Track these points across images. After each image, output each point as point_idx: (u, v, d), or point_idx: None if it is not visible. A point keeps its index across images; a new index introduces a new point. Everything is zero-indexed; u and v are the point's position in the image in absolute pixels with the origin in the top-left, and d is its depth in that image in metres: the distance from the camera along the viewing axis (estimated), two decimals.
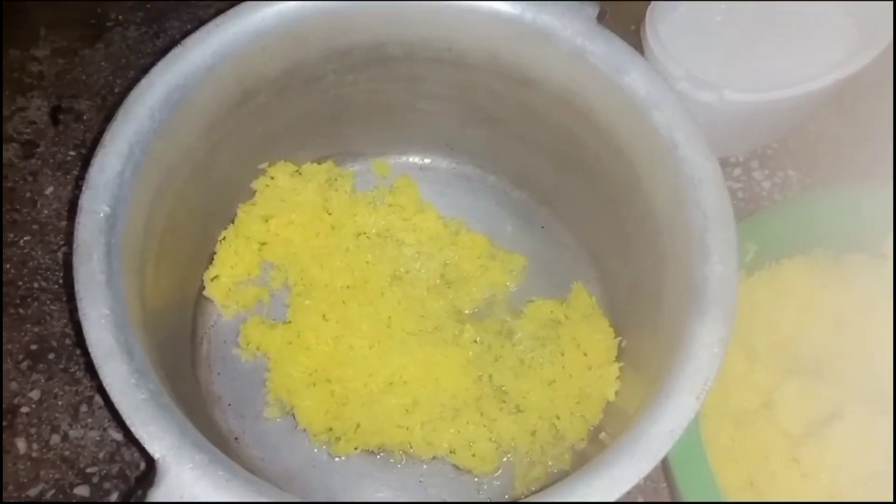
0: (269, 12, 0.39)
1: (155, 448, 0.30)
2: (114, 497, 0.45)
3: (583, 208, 0.48)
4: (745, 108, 0.47)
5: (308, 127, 0.47)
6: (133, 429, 0.30)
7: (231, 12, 0.39)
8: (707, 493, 0.37)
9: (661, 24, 0.48)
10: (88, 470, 0.46)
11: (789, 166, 0.54)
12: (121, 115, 0.36)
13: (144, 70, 0.38)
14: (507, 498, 0.43)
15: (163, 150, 0.38)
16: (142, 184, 0.36)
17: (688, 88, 0.47)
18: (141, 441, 0.30)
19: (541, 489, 0.42)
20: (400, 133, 0.51)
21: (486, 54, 0.43)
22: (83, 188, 0.35)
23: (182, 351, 0.44)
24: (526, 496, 0.41)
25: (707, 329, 0.34)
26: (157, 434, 0.30)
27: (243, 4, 0.40)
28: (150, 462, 0.30)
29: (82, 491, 0.45)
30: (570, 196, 0.48)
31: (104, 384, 0.31)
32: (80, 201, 0.35)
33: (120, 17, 0.59)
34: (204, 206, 0.44)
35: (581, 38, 0.40)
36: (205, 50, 0.38)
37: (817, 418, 0.41)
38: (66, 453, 0.46)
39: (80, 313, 0.32)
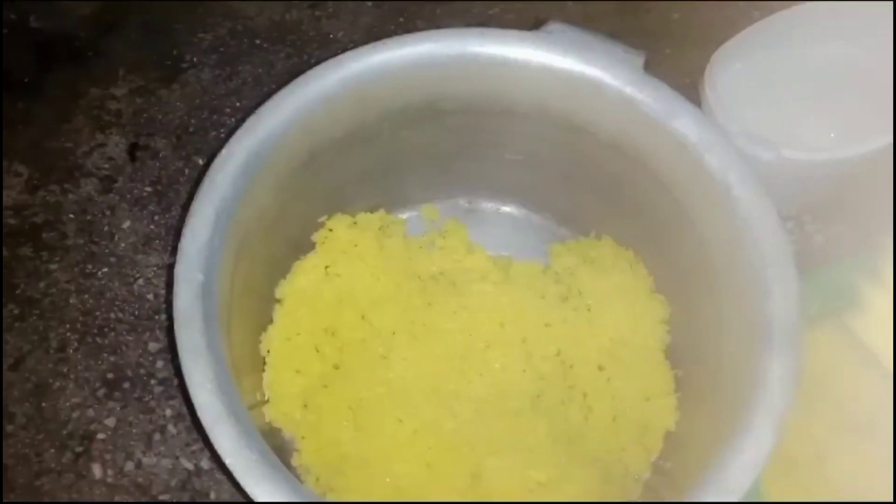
0: (334, 78, 0.41)
1: None
2: None
3: (631, 246, 0.50)
4: (804, 167, 0.47)
5: (363, 180, 0.49)
6: (247, 488, 0.32)
7: (299, 80, 0.41)
8: None
9: (719, 79, 0.49)
10: (161, 497, 0.48)
11: (842, 221, 0.55)
12: (206, 184, 0.38)
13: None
14: None
15: (243, 215, 0.39)
16: (227, 248, 0.38)
17: (745, 145, 0.47)
18: (254, 498, 0.32)
19: None
20: (447, 179, 0.53)
21: (536, 105, 0.45)
22: (178, 257, 0.36)
23: (259, 408, 0.45)
24: None
25: (778, 363, 0.36)
26: (271, 492, 0.32)
27: (309, 73, 0.41)
28: None
29: None
30: (617, 233, 0.50)
31: (216, 446, 0.33)
32: (175, 270, 0.36)
33: (195, 59, 0.61)
34: (272, 263, 0.46)
35: (630, 86, 0.42)
36: (278, 117, 0.40)
37: (868, 478, 0.42)
38: (140, 480, 0.48)
39: (187, 378, 0.34)
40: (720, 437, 0.37)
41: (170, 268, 0.51)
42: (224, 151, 0.39)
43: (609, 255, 0.50)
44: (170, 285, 0.35)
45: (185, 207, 0.55)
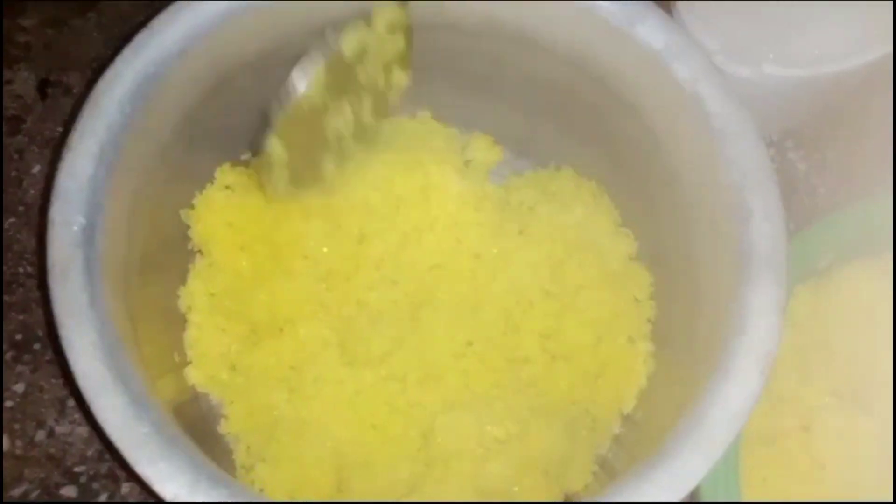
0: None
1: (166, 489, 0.27)
2: (102, 498, 0.42)
3: (594, 174, 0.45)
4: (786, 84, 0.44)
5: None
6: (138, 468, 0.27)
7: None
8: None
9: None
10: (76, 469, 0.43)
11: (827, 147, 0.51)
12: (87, 111, 0.32)
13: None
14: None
15: (138, 149, 0.33)
16: (118, 187, 0.32)
17: (723, 62, 0.43)
18: (148, 482, 0.27)
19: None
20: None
21: (483, 17, 0.39)
22: (52, 197, 0.31)
23: (178, 371, 0.40)
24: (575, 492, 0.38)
25: (761, 295, 0.31)
26: (167, 472, 0.27)
27: None
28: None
29: (69, 492, 0.42)
30: (579, 163, 0.45)
31: (99, 420, 0.27)
32: (49, 213, 0.30)
33: None
34: (188, 205, 0.40)
35: None
36: (174, 33, 0.34)
37: (854, 453, 0.38)
38: (52, 451, 0.43)
39: (64, 342, 0.29)
40: (697, 382, 0.32)
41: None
42: (109, 73, 0.33)
43: (570, 188, 0.45)
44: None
45: None
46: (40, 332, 0.45)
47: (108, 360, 0.28)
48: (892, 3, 0.43)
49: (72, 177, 0.31)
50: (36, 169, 0.50)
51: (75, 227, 0.30)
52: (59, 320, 0.29)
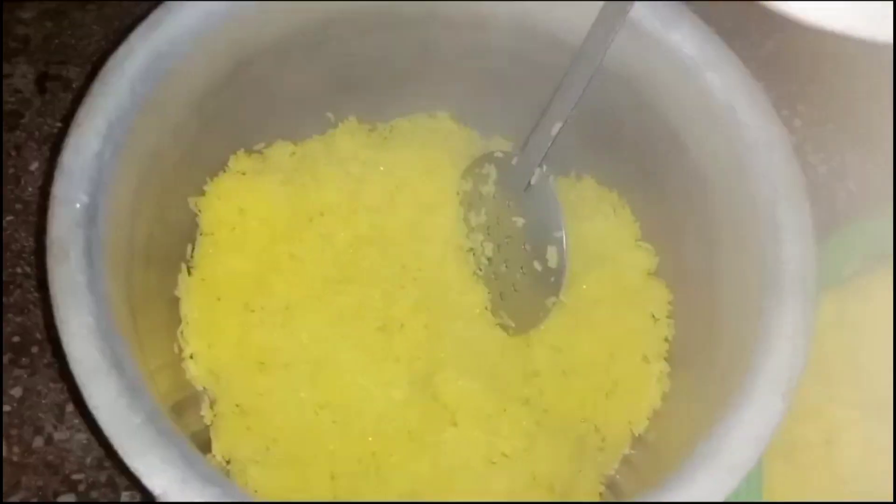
0: None
1: (155, 483, 0.25)
2: None
3: (616, 184, 0.43)
4: None
5: (308, 99, 0.42)
6: (127, 460, 0.26)
7: None
8: None
9: None
10: (74, 477, 0.41)
11: (847, 149, 0.49)
12: (96, 88, 0.31)
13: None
14: None
15: (147, 129, 0.32)
16: (125, 167, 0.31)
17: None
18: (137, 474, 0.25)
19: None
20: (408, 103, 0.45)
21: (513, 15, 0.38)
22: (56, 174, 0.30)
23: (177, 364, 0.38)
24: None
25: (788, 318, 0.30)
26: (157, 466, 0.25)
27: None
28: (150, 499, 0.25)
29: (67, 499, 0.41)
30: (600, 171, 0.44)
31: (90, 407, 0.26)
32: (52, 190, 0.29)
33: None
34: (197, 191, 0.39)
35: None
36: (192, 12, 0.33)
37: (882, 469, 0.36)
38: (51, 458, 0.42)
39: (58, 322, 0.27)
40: (715, 405, 0.31)
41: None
42: (121, 50, 0.32)
43: (591, 198, 0.44)
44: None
45: None
46: (39, 335, 0.44)
47: (103, 345, 0.27)
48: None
49: (77, 154, 0.30)
50: (34, 166, 0.48)
51: (78, 205, 0.29)
52: (55, 300, 0.28)
